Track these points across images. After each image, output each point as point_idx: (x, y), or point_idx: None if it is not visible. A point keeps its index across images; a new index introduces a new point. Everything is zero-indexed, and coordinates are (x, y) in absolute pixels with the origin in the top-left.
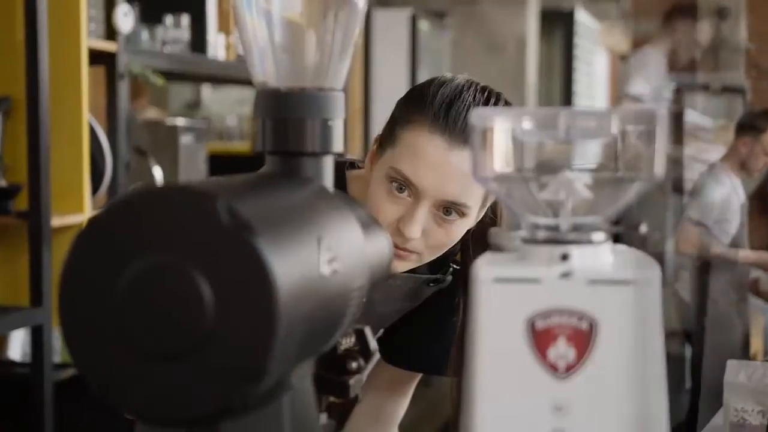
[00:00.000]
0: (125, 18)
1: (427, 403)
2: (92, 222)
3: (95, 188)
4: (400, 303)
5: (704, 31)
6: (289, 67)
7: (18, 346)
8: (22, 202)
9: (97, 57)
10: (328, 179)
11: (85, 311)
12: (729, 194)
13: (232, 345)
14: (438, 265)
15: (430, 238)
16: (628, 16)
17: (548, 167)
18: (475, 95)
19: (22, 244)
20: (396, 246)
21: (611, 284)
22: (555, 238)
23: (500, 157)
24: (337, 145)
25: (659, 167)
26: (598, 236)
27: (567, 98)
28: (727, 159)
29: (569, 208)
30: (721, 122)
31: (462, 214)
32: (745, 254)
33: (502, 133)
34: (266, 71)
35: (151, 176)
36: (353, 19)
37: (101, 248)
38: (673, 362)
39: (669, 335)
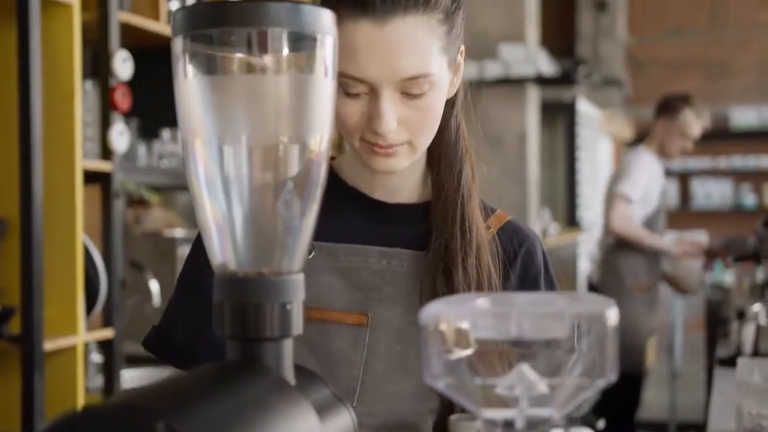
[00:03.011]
0: (120, 137)
1: None
2: None
3: (90, 308)
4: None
5: (688, 123)
6: (248, 250)
7: None
8: (14, 326)
9: (92, 176)
10: (288, 364)
11: None
12: (650, 171)
13: None
14: None
15: (410, 123)
16: (630, 103)
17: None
18: None
19: (14, 369)
20: (379, 146)
21: None
22: None
23: (452, 354)
24: (297, 328)
25: (612, 368)
26: None
27: (570, 188)
28: (649, 143)
29: (525, 404)
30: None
31: (430, 85)
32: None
33: (454, 329)
34: (225, 253)
35: (148, 291)
36: (311, 200)
37: None
38: None
39: None
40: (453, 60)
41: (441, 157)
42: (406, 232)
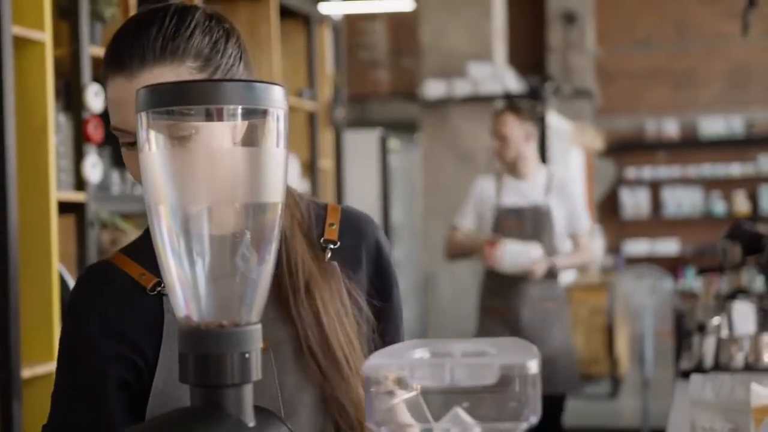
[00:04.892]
0: (94, 169)
1: None
2: None
3: None
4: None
5: (502, 127)
6: (209, 305)
7: None
8: None
9: (67, 206)
10: (248, 407)
11: None
12: (480, 195)
13: None
14: None
15: None
16: (600, 113)
17: None
18: (147, 14)
19: None
20: None
21: None
22: None
23: (393, 401)
24: (256, 374)
25: (535, 411)
26: None
27: None
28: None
29: None
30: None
31: (196, 129)
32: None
33: (395, 379)
34: (188, 307)
35: None
36: (267, 255)
37: None
38: None
39: None
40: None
41: None
42: None
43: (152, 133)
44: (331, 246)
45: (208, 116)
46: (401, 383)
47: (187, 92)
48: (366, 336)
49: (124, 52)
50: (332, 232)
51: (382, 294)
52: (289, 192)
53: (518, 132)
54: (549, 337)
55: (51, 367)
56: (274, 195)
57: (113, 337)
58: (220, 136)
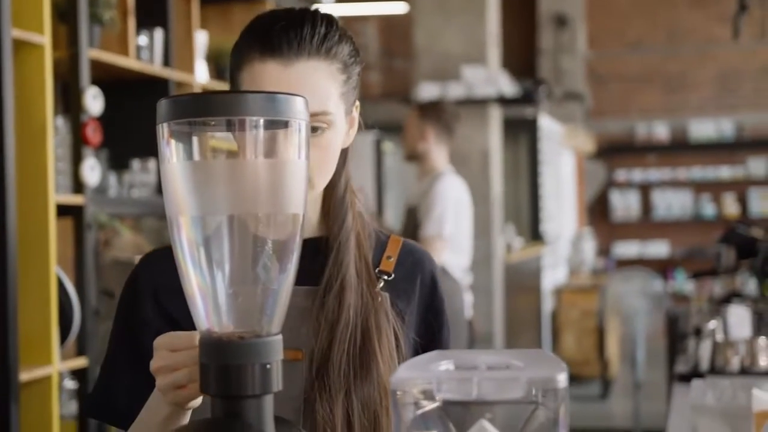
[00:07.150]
0: (92, 172)
1: None
2: None
3: (64, 337)
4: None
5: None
6: (230, 316)
7: None
8: None
9: (65, 209)
10: (268, 418)
11: None
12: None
13: None
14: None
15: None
16: (591, 116)
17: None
18: (293, 10)
19: None
20: None
21: None
22: None
23: (420, 413)
24: (277, 385)
25: (564, 425)
26: None
27: (534, 202)
28: None
29: None
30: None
31: (328, 124)
32: None
33: (421, 391)
34: (209, 320)
35: None
36: (287, 266)
37: None
38: None
39: None
40: (349, 110)
41: (330, 210)
42: (311, 268)
43: (173, 145)
44: (385, 277)
45: (230, 127)
46: (427, 395)
47: (209, 104)
48: None
49: (280, 39)
50: (389, 264)
51: (431, 330)
52: (359, 218)
53: (414, 127)
54: None
55: (49, 370)
56: (296, 206)
57: (166, 319)
58: (242, 147)
